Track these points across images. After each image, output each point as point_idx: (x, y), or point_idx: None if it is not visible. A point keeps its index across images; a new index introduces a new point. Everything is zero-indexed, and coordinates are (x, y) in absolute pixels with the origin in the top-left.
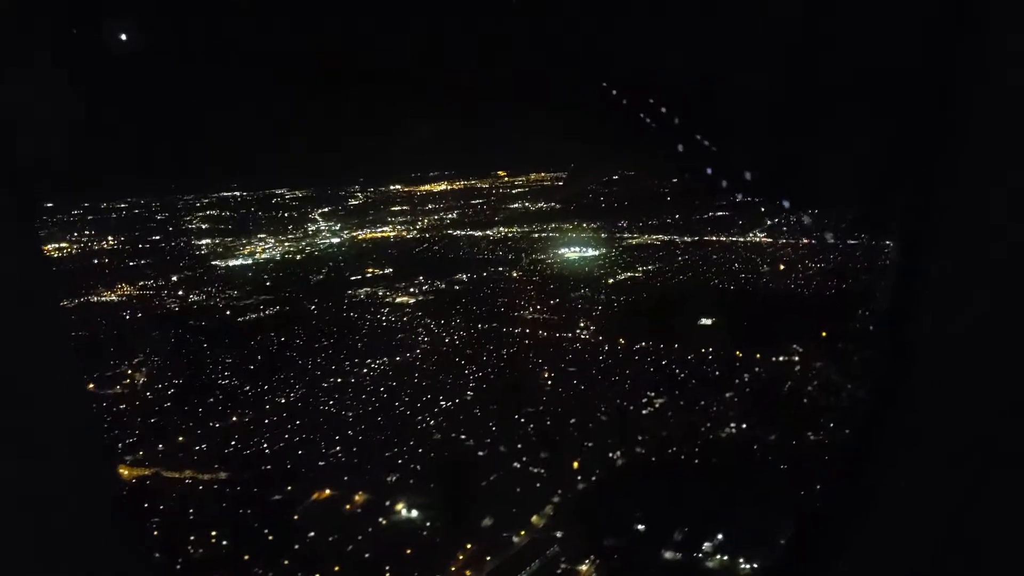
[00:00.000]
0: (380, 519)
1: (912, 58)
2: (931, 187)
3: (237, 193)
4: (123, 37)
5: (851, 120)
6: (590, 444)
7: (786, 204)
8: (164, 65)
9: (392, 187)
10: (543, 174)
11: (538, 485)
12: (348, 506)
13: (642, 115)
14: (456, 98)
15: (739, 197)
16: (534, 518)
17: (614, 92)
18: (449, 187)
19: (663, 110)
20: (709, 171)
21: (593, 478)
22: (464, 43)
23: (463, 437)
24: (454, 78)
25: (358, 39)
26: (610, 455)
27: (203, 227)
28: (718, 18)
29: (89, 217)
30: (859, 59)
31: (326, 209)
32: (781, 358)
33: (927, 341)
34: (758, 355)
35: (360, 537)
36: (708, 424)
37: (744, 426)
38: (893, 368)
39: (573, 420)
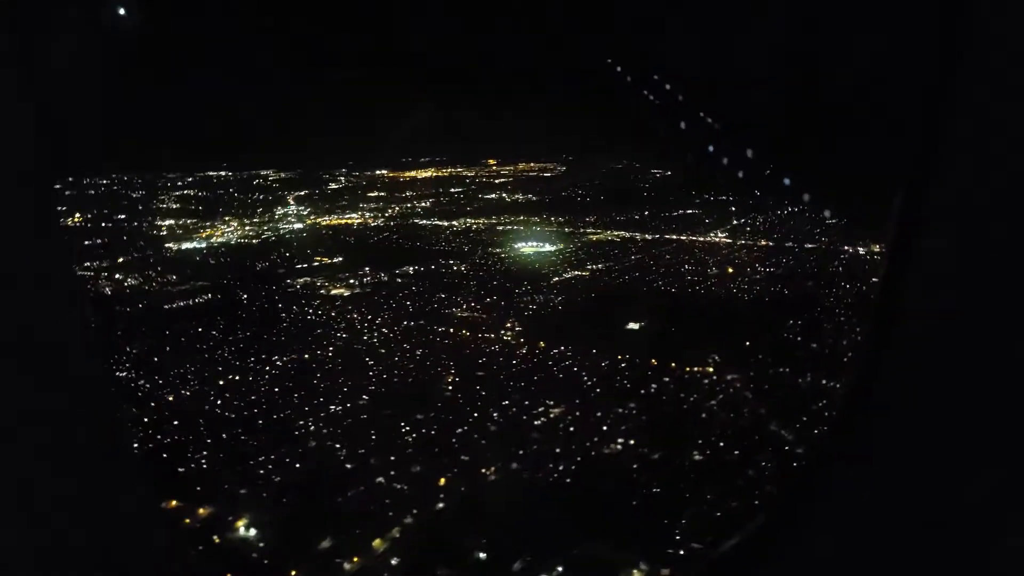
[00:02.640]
0: (215, 536)
1: (908, 52)
2: (923, 182)
3: (222, 173)
4: (121, 11)
5: (852, 110)
6: (466, 458)
7: (786, 182)
8: (165, 40)
9: (378, 172)
10: (532, 164)
11: (395, 503)
12: (188, 520)
13: (646, 92)
14: (460, 84)
15: (740, 175)
16: (376, 541)
17: (619, 69)
18: (435, 174)
19: (667, 87)
20: (711, 149)
21: (455, 497)
22: (468, 27)
23: (338, 446)
24: (458, 63)
25: (362, 21)
26: (483, 471)
27: (173, 207)
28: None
29: (66, 192)
30: (860, 50)
31: (303, 192)
32: (696, 368)
33: (913, 340)
34: (673, 364)
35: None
36: (594, 439)
37: (631, 442)
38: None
39: (460, 430)
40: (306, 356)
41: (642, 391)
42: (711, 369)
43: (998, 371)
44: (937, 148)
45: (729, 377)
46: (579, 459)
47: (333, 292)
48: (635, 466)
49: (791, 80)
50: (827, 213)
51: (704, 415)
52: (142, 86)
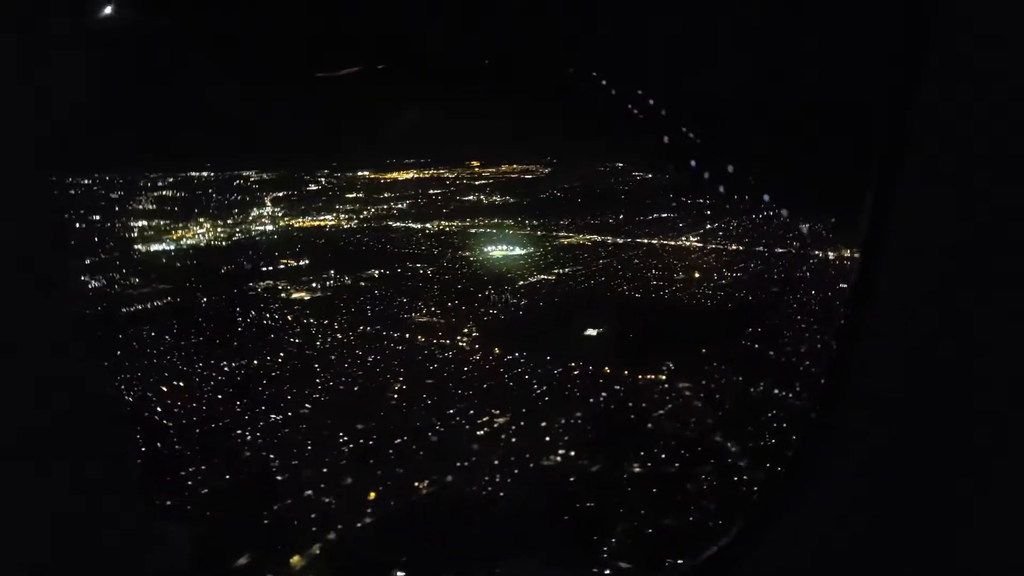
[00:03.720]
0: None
1: (878, 51)
2: (891, 186)
3: (205, 173)
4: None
5: (829, 120)
6: (401, 470)
7: (766, 198)
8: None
9: (360, 173)
10: (515, 166)
11: (321, 518)
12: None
13: (630, 106)
14: (450, 85)
15: (721, 189)
16: (295, 559)
17: (604, 83)
18: (416, 175)
19: (651, 102)
20: (693, 163)
21: (384, 511)
22: (460, 29)
23: (271, 457)
24: (450, 64)
25: (353, 21)
26: (416, 484)
27: (149, 208)
28: (702, 17)
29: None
30: (835, 61)
31: (281, 194)
32: (649, 376)
33: (886, 337)
34: (626, 372)
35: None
36: (535, 451)
37: (572, 454)
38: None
39: (399, 440)
40: (255, 362)
41: (591, 400)
42: (664, 377)
43: (970, 368)
44: (904, 138)
45: (680, 385)
46: (516, 472)
47: (293, 296)
48: (571, 479)
49: (769, 85)
50: (800, 218)
51: (650, 425)
52: (129, 83)
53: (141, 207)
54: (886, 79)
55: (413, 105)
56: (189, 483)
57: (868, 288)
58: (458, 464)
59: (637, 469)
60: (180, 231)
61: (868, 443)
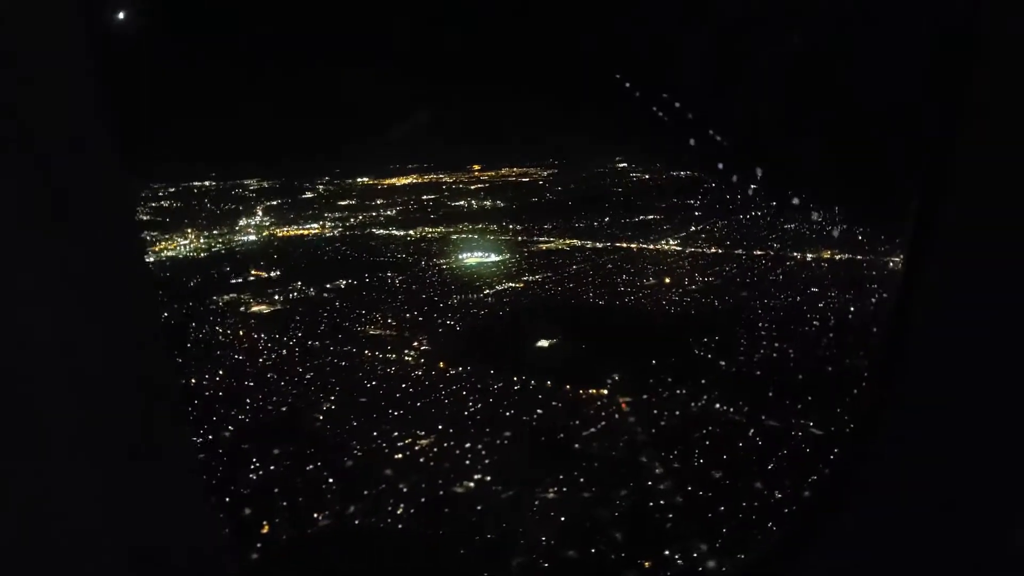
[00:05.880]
0: None
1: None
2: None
3: (207, 183)
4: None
5: (862, 122)
6: (302, 499)
7: (795, 201)
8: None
9: (360, 179)
10: (515, 169)
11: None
12: None
13: (655, 109)
14: (463, 86)
15: (750, 191)
16: None
17: (627, 85)
18: (415, 181)
19: (677, 105)
20: (720, 166)
21: (276, 546)
22: (471, 29)
23: None
24: (462, 65)
25: (366, 23)
26: (316, 515)
27: (143, 219)
28: (732, 16)
29: None
30: (871, 62)
31: (275, 202)
32: (591, 391)
33: (923, 349)
34: (568, 386)
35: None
36: (450, 476)
37: (487, 479)
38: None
39: (311, 467)
40: (193, 381)
41: (523, 418)
42: (605, 391)
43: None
44: (952, 148)
45: (621, 400)
46: (422, 500)
47: (253, 309)
48: (478, 507)
49: (801, 89)
50: (782, 218)
51: (578, 445)
52: (144, 91)
53: (137, 217)
54: (936, 76)
55: (421, 109)
56: None
57: (914, 293)
58: (365, 492)
59: (550, 495)
60: (163, 243)
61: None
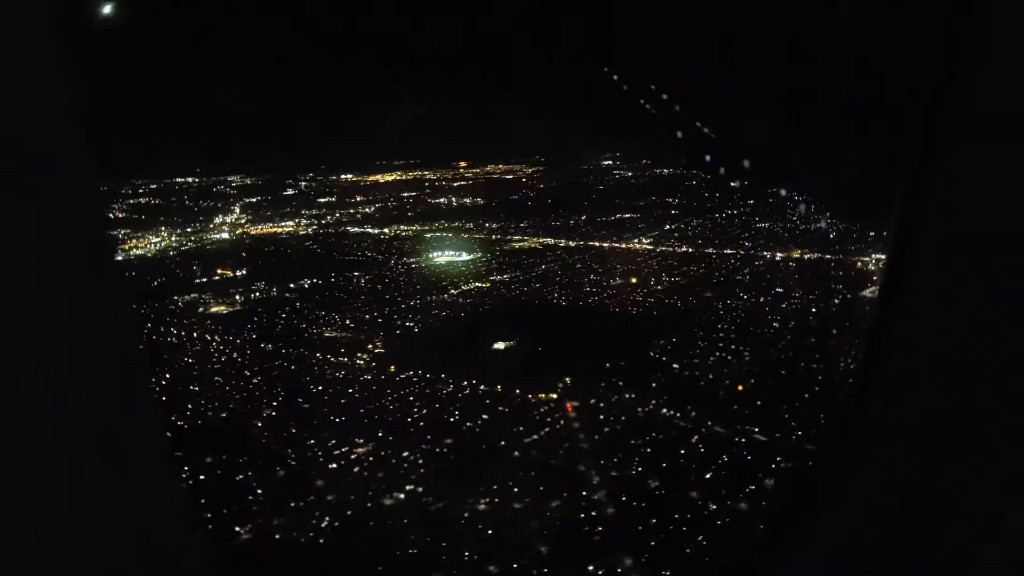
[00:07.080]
0: None
1: (910, 52)
2: (925, 185)
3: (189, 179)
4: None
5: (848, 114)
6: (227, 510)
7: (782, 192)
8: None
9: (344, 176)
10: (500, 166)
11: None
12: None
13: (642, 102)
14: (455, 83)
15: (735, 184)
16: None
17: (615, 78)
18: (399, 177)
19: (664, 97)
20: (708, 159)
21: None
22: (462, 27)
23: None
24: (456, 61)
25: (357, 18)
26: (238, 529)
27: (118, 216)
28: (720, 8)
29: None
30: (858, 53)
31: (254, 199)
32: (540, 395)
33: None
34: (517, 391)
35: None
36: (382, 487)
37: (419, 489)
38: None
39: (240, 476)
40: None
41: (467, 424)
42: (554, 395)
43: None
44: (937, 145)
45: (568, 405)
46: (348, 513)
47: (212, 310)
48: (405, 521)
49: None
50: (757, 217)
51: (517, 453)
52: (132, 88)
53: (111, 216)
54: (920, 77)
55: (410, 105)
56: None
57: (897, 294)
58: (292, 504)
59: (482, 507)
60: (134, 241)
61: (896, 464)
